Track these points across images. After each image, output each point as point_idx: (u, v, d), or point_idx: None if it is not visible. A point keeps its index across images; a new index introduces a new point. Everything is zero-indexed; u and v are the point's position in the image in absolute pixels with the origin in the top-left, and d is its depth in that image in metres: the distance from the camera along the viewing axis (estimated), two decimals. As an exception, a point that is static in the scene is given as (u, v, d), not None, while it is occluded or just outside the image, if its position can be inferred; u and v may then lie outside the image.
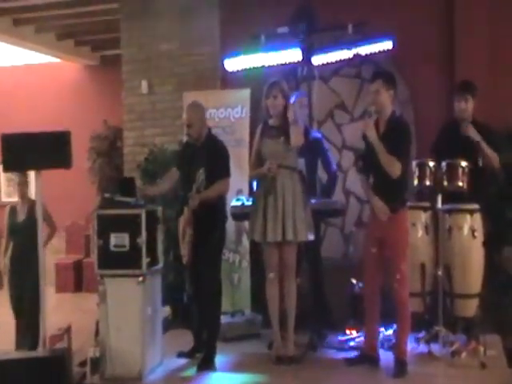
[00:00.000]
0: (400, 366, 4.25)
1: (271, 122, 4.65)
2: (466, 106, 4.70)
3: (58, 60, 9.21)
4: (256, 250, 4.96)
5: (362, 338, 4.81)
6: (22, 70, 9.52)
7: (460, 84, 4.90)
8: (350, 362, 4.48)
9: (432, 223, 4.70)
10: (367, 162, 4.43)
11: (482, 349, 4.44)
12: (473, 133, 4.58)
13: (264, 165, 4.55)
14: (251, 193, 5.12)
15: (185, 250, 4.55)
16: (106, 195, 4.73)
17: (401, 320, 4.32)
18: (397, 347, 4.34)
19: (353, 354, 4.60)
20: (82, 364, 4.47)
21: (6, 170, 4.44)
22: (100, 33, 8.38)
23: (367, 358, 4.43)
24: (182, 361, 4.68)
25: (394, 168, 4.19)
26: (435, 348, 4.53)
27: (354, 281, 5.09)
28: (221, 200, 4.67)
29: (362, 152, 4.61)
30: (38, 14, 7.50)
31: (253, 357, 4.76)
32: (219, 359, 4.58)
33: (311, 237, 4.60)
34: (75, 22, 7.95)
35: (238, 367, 4.57)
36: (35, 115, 8.78)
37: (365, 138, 4.36)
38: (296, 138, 4.50)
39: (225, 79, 6.37)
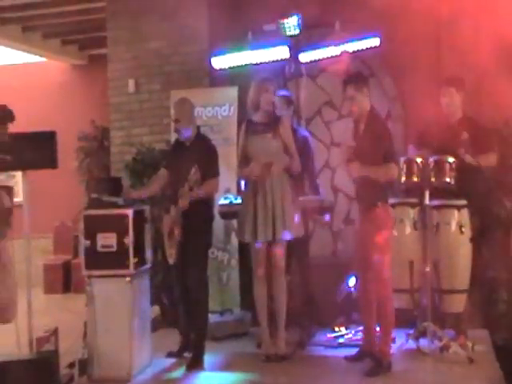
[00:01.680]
0: (375, 366, 4.20)
1: (256, 118, 4.64)
2: (451, 101, 4.74)
3: (44, 59, 9.14)
4: (245, 248, 4.95)
5: (350, 336, 4.81)
6: (8, 70, 9.42)
7: (445, 79, 4.93)
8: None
9: (420, 219, 4.69)
10: None
11: (470, 344, 4.46)
12: (469, 159, 4.55)
13: (250, 163, 4.53)
14: (239, 191, 5.11)
15: (171, 250, 4.53)
16: (94, 195, 4.71)
17: (380, 319, 4.27)
18: (379, 347, 4.30)
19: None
20: (71, 366, 4.44)
21: (-10, 170, 4.41)
22: (87, 31, 8.31)
23: (367, 354, 4.39)
24: (171, 361, 4.67)
25: (391, 173, 4.24)
26: (424, 344, 4.53)
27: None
28: (209, 199, 4.65)
29: None
30: (24, 13, 7.44)
31: (242, 356, 4.76)
32: (208, 359, 4.57)
33: (300, 234, 4.59)
34: (62, 21, 7.88)
35: (227, 366, 4.56)
36: (21, 116, 8.60)
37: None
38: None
39: (212, 77, 6.33)
